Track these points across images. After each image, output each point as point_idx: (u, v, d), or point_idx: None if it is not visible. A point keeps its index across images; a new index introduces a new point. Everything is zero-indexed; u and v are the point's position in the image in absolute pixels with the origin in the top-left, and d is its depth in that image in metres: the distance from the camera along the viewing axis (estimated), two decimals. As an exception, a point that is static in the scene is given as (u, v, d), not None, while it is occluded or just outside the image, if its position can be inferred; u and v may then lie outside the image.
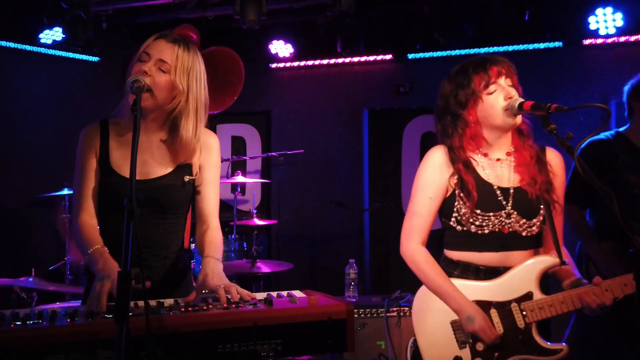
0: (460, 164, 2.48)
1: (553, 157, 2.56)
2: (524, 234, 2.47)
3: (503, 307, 2.44)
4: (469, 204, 2.43)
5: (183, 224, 2.47)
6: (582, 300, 2.36)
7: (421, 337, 2.50)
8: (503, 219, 2.44)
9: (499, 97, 2.43)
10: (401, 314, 4.19)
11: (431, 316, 2.50)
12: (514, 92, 2.43)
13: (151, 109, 2.29)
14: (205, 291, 2.19)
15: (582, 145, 3.25)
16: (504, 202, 2.46)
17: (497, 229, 2.45)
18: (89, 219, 2.31)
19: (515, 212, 2.45)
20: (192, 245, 4.43)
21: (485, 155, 2.52)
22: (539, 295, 2.42)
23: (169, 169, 2.37)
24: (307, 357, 4.62)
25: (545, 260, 2.45)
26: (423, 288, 2.55)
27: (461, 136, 2.49)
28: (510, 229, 2.45)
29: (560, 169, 2.56)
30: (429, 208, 2.52)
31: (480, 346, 2.42)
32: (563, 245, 2.56)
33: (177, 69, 2.26)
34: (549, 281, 2.54)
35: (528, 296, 2.43)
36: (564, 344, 2.42)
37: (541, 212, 2.47)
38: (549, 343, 2.42)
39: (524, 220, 2.46)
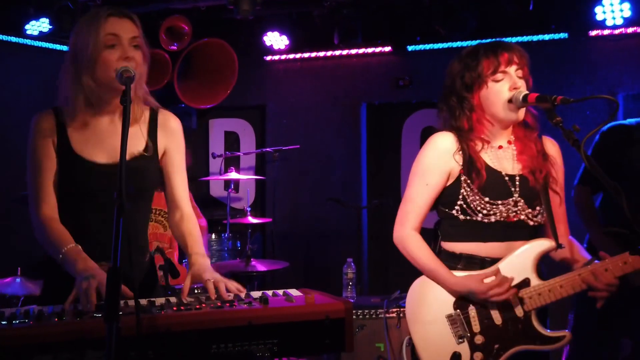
0: (470, 142, 2.43)
1: (551, 147, 2.54)
2: (530, 222, 2.41)
3: None
4: (476, 184, 2.37)
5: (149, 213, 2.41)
6: (584, 282, 2.30)
7: (416, 335, 2.43)
8: (510, 207, 2.39)
9: (504, 87, 2.38)
10: (401, 315, 4.08)
11: (425, 313, 2.43)
12: (520, 84, 2.38)
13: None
14: (198, 290, 2.14)
15: (603, 129, 3.22)
16: (512, 189, 2.41)
17: (503, 218, 2.38)
18: (52, 213, 2.20)
19: (522, 200, 2.41)
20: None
21: (488, 142, 2.46)
22: (537, 281, 2.36)
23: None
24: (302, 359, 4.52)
25: (540, 244, 2.40)
26: (414, 287, 2.50)
27: (469, 118, 2.44)
28: (516, 218, 2.39)
29: (559, 158, 2.56)
30: (426, 195, 2.46)
31: (479, 339, 2.35)
32: (569, 234, 2.53)
33: (142, 39, 2.22)
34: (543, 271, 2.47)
35: (525, 283, 2.36)
36: (567, 330, 2.36)
37: (542, 200, 2.44)
38: (549, 331, 2.35)
39: (529, 210, 2.41)
